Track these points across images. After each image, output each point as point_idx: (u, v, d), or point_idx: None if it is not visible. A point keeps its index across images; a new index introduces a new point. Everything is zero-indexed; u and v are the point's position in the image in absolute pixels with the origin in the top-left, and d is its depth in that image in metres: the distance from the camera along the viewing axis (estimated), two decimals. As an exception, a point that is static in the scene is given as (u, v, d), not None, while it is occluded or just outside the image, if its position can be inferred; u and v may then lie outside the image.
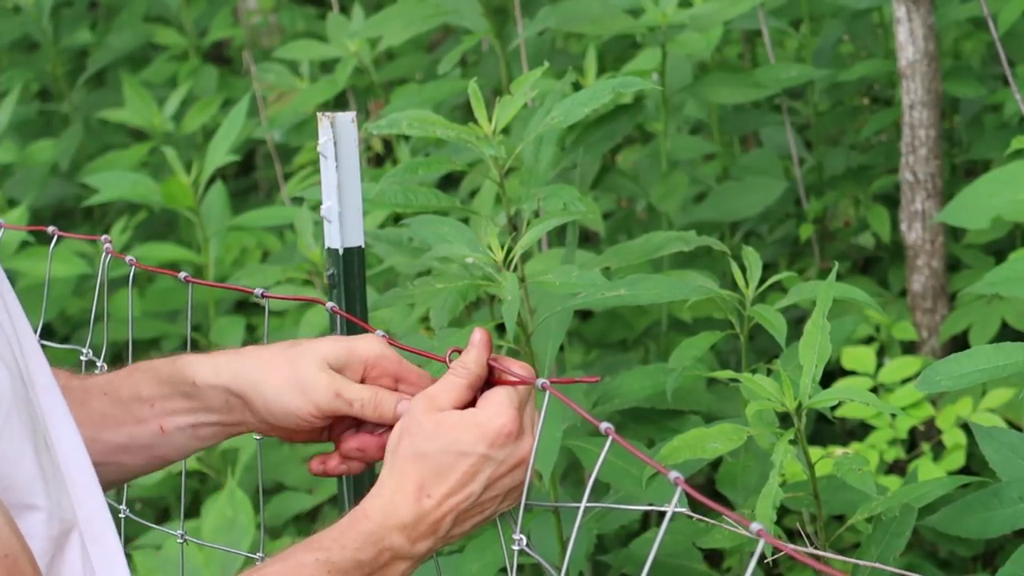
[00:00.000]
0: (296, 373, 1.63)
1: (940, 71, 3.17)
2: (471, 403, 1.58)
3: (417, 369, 1.67)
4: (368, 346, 1.65)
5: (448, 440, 1.54)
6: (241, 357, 1.67)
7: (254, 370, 1.65)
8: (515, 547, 1.57)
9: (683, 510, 1.42)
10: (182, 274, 2.06)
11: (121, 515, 2.30)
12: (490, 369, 1.60)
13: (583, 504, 1.50)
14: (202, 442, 1.70)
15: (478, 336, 1.60)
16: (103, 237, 2.21)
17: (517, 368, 1.60)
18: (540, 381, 1.57)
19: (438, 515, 1.54)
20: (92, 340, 2.33)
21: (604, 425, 1.46)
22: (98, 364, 2.26)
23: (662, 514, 2.31)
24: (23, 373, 1.48)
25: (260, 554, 2.21)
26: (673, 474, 1.32)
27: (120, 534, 2.35)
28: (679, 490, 1.32)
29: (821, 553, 2.15)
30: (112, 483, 1.74)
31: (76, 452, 1.54)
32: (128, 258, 2.13)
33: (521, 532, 2.29)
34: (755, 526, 1.21)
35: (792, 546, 2.02)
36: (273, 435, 1.71)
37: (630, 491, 2.23)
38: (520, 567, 1.94)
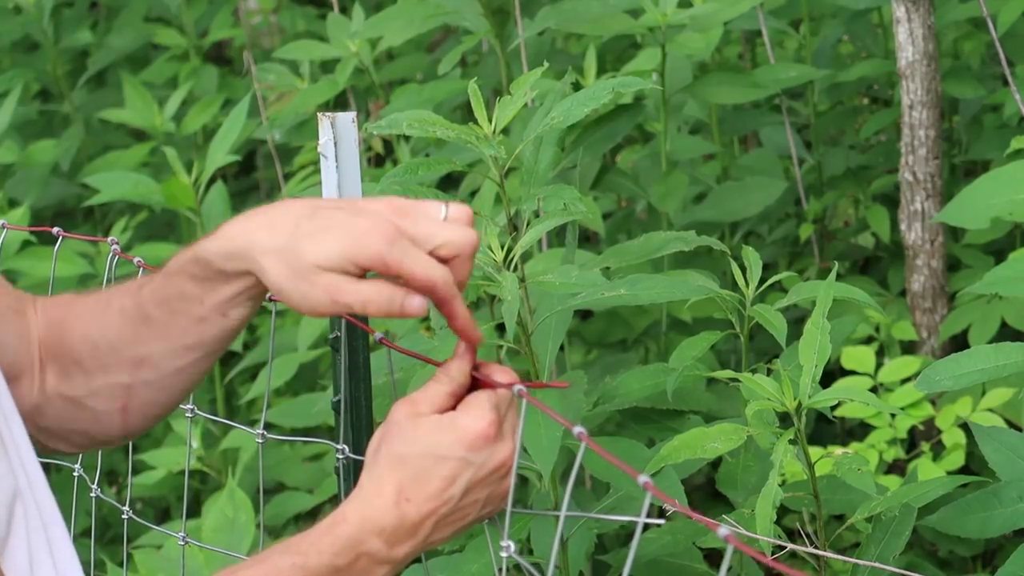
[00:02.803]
0: (294, 275, 1.52)
1: (940, 71, 3.18)
2: (452, 410, 1.58)
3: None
4: (367, 244, 1.50)
5: (427, 444, 1.54)
6: (245, 237, 1.57)
7: (259, 257, 1.55)
8: (503, 554, 1.57)
9: (657, 520, 1.42)
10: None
11: (124, 516, 2.30)
12: (473, 378, 1.60)
13: (563, 512, 1.50)
14: (256, 303, 1.64)
15: (463, 346, 1.60)
16: (110, 239, 2.21)
17: (499, 375, 1.60)
18: (516, 387, 1.57)
19: (417, 519, 1.54)
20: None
21: (577, 429, 1.46)
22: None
23: (662, 514, 2.32)
24: None
25: (243, 561, 2.21)
26: (642, 478, 1.32)
27: (124, 535, 2.36)
28: (649, 495, 1.32)
29: (821, 553, 2.15)
30: (200, 377, 1.72)
31: (13, 415, 1.54)
32: (136, 259, 2.13)
33: (520, 534, 2.30)
34: (722, 531, 1.20)
35: (780, 555, 2.02)
36: None
37: (630, 491, 2.24)
38: (519, 567, 1.94)
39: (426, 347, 2.20)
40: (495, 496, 1.58)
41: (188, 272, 1.61)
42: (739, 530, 2.11)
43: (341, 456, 2.02)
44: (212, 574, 1.90)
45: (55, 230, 2.29)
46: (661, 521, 1.59)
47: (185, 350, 1.66)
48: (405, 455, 1.54)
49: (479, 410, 1.55)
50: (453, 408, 1.58)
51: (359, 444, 2.02)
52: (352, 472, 2.04)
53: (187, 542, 2.21)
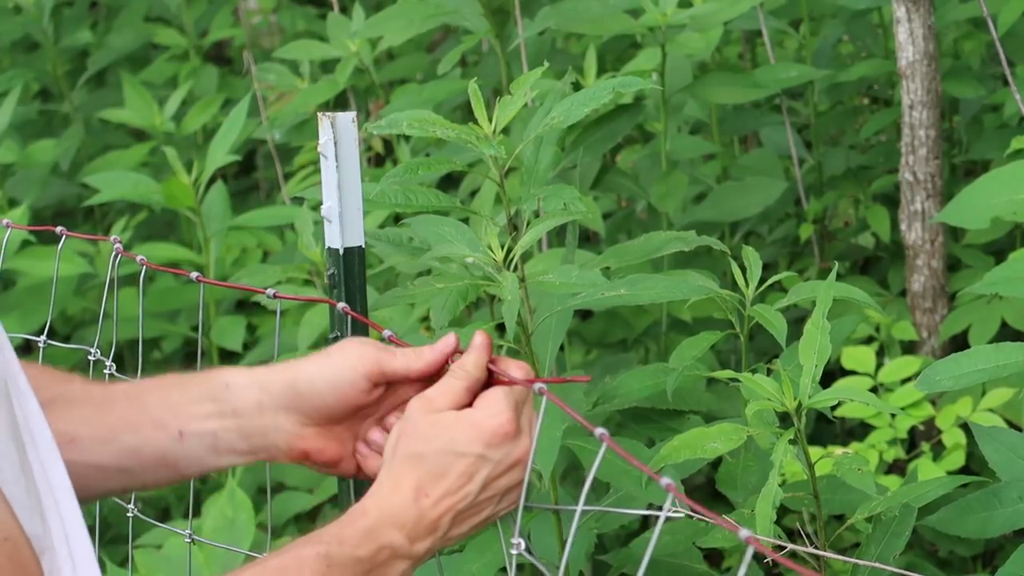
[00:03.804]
0: (334, 352, 1.64)
1: (940, 71, 3.17)
2: (468, 406, 1.58)
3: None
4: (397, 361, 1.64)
5: (444, 441, 1.54)
6: (278, 365, 1.66)
7: (291, 366, 1.64)
8: (513, 551, 1.57)
9: (678, 513, 1.42)
10: (194, 274, 2.06)
11: (129, 514, 2.30)
12: (489, 372, 1.60)
13: (579, 507, 1.50)
14: (218, 457, 1.65)
15: (479, 340, 1.60)
16: (113, 237, 2.21)
17: (515, 370, 1.60)
18: (537, 385, 1.57)
19: (435, 515, 1.54)
20: (98, 340, 2.33)
21: (599, 431, 1.46)
22: (106, 363, 2.26)
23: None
24: (6, 386, 1.46)
25: (266, 554, 2.20)
26: (664, 480, 1.32)
27: (129, 533, 2.35)
28: (670, 496, 1.32)
29: (821, 553, 2.15)
30: (115, 491, 1.71)
31: (54, 459, 1.52)
32: (139, 257, 2.13)
33: (521, 533, 2.30)
34: (743, 532, 1.20)
35: (780, 555, 2.02)
36: (295, 457, 1.66)
37: (630, 491, 2.23)
38: (520, 567, 1.94)
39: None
40: (512, 491, 1.58)
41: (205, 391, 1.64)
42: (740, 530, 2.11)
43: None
44: (227, 572, 1.90)
45: (58, 229, 2.29)
46: (680, 515, 1.58)
47: (125, 452, 1.64)
48: (423, 452, 1.54)
49: (496, 407, 1.56)
50: (470, 404, 1.58)
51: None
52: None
53: (193, 540, 2.21)
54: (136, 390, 1.66)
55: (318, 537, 1.52)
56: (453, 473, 1.54)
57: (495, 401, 1.56)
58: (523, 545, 1.56)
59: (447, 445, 1.54)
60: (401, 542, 1.53)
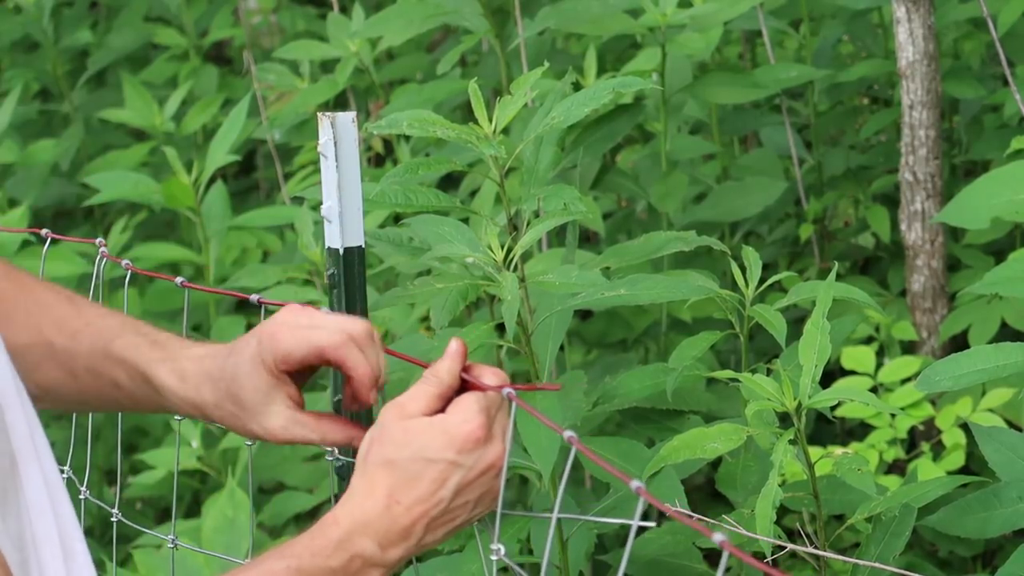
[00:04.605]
0: (241, 345, 1.70)
1: (940, 71, 3.17)
2: (442, 412, 1.58)
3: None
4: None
5: (416, 447, 1.54)
6: (205, 363, 1.69)
7: (211, 355, 1.69)
8: (493, 556, 1.57)
9: (648, 523, 1.42)
10: (179, 279, 2.07)
11: (113, 519, 2.30)
12: (463, 379, 1.60)
13: (555, 515, 1.51)
14: (184, 387, 1.71)
15: (453, 347, 1.60)
16: (98, 240, 2.22)
17: (489, 376, 1.59)
18: (505, 390, 1.57)
19: (408, 522, 1.54)
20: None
21: (567, 434, 1.46)
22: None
23: (662, 514, 2.31)
24: None
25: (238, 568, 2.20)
26: (634, 484, 1.32)
27: (113, 536, 2.35)
28: (641, 500, 1.32)
29: (821, 553, 2.15)
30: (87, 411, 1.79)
31: (51, 470, 1.52)
32: (124, 262, 2.13)
33: (520, 534, 2.30)
34: (717, 537, 1.20)
35: (779, 555, 2.02)
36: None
37: (629, 492, 2.23)
38: (520, 565, 1.94)
39: (426, 347, 2.20)
40: (486, 497, 1.58)
41: (132, 376, 1.69)
42: (738, 530, 2.11)
43: (331, 458, 2.03)
44: (226, 571, 1.90)
45: (44, 232, 2.30)
46: (651, 524, 1.59)
47: (98, 405, 1.73)
48: (395, 459, 1.54)
49: (468, 412, 1.55)
50: (442, 410, 1.57)
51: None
52: (351, 471, 2.04)
53: (176, 545, 2.20)
54: (87, 368, 1.72)
55: (289, 550, 1.52)
56: (425, 480, 1.54)
57: (467, 407, 1.56)
58: (503, 551, 1.57)
59: (419, 452, 1.54)
60: (373, 550, 1.53)
